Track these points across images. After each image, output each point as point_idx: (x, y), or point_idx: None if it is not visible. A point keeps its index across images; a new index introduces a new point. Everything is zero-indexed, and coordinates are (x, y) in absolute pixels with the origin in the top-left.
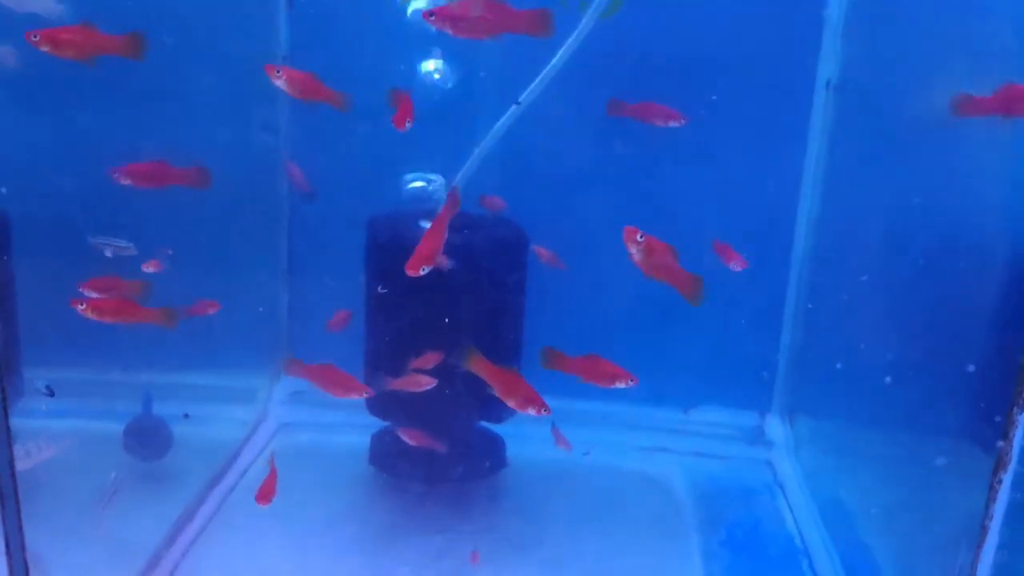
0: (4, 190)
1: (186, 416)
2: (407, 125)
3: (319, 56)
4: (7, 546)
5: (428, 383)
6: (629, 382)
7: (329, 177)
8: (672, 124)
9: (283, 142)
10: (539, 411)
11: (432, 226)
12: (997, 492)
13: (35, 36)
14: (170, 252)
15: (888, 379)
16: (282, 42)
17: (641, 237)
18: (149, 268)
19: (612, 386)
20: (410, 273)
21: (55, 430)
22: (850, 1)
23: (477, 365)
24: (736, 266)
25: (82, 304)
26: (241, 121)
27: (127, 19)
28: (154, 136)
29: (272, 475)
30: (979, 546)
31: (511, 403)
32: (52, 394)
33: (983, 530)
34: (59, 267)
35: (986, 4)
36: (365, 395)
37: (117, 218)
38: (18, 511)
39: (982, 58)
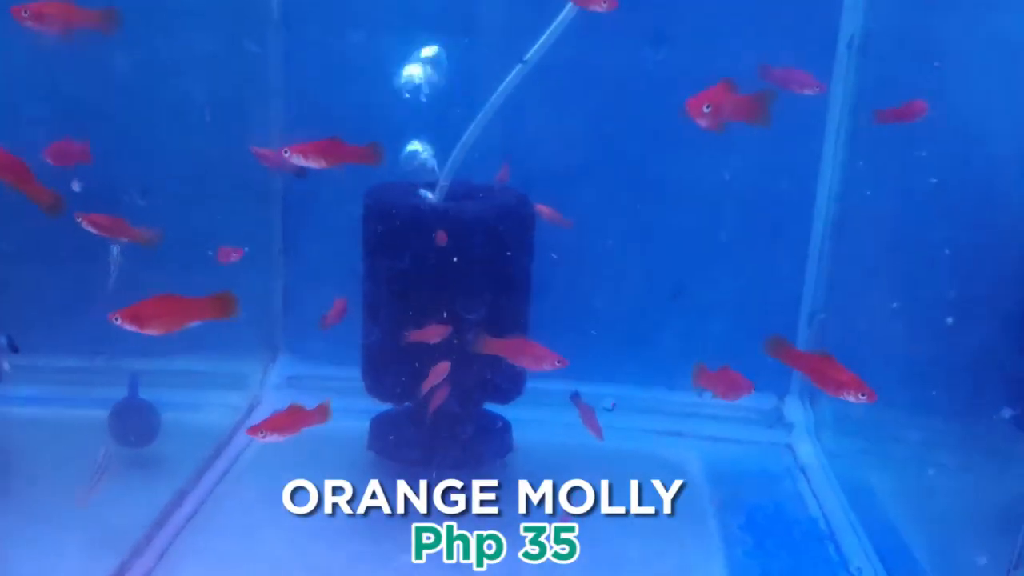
0: None
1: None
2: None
3: (312, 31)
4: None
5: (443, 332)
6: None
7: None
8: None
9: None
10: (554, 364)
11: None
12: None
13: (24, 12)
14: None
15: (913, 358)
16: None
17: (708, 107)
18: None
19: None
20: None
21: (39, 417)
22: None
23: (487, 346)
24: None
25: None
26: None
27: None
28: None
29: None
30: None
31: (525, 363)
32: (17, 349)
33: None
34: (42, 253)
35: None
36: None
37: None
38: None
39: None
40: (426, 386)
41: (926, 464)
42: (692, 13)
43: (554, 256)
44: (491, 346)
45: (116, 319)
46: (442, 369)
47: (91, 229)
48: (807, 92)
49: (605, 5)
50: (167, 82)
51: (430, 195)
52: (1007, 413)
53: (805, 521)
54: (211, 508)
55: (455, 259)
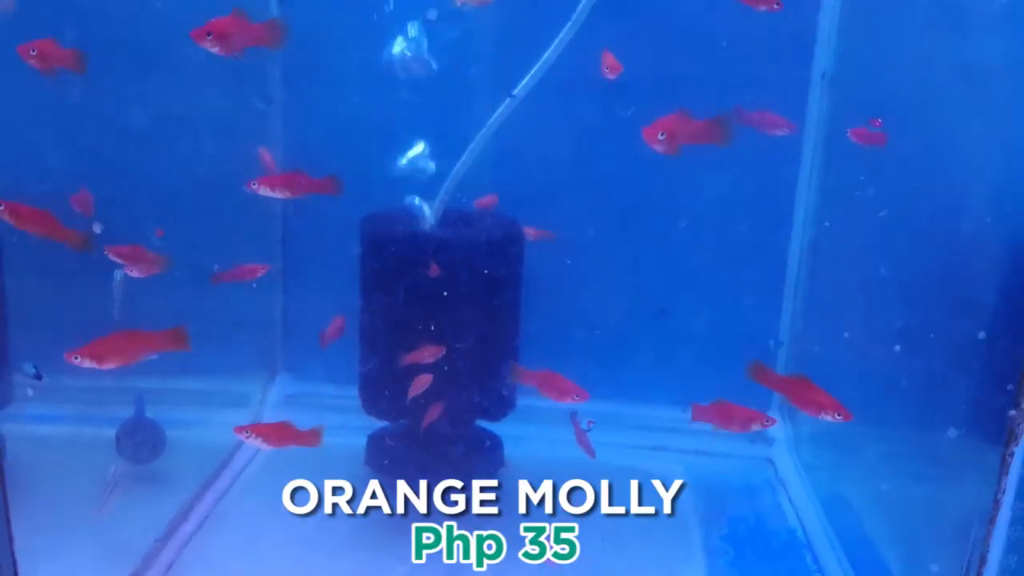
0: None
1: None
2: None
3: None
4: None
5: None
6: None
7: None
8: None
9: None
10: (573, 399)
11: None
12: (1009, 465)
13: (32, 51)
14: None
15: (886, 375)
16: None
17: (663, 135)
18: (133, 272)
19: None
20: None
21: (47, 435)
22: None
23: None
24: None
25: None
26: (233, 127)
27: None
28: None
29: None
30: (992, 521)
31: (551, 395)
32: (40, 377)
33: (995, 504)
34: (50, 273)
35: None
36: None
37: (111, 224)
38: (6, 507)
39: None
40: (412, 392)
41: (895, 476)
42: (678, 43)
43: (568, 262)
44: (522, 376)
45: (75, 358)
46: (424, 381)
47: (116, 259)
48: (779, 133)
49: (612, 75)
50: (180, 132)
51: (427, 207)
52: (952, 433)
53: (784, 532)
54: (215, 522)
55: (449, 284)
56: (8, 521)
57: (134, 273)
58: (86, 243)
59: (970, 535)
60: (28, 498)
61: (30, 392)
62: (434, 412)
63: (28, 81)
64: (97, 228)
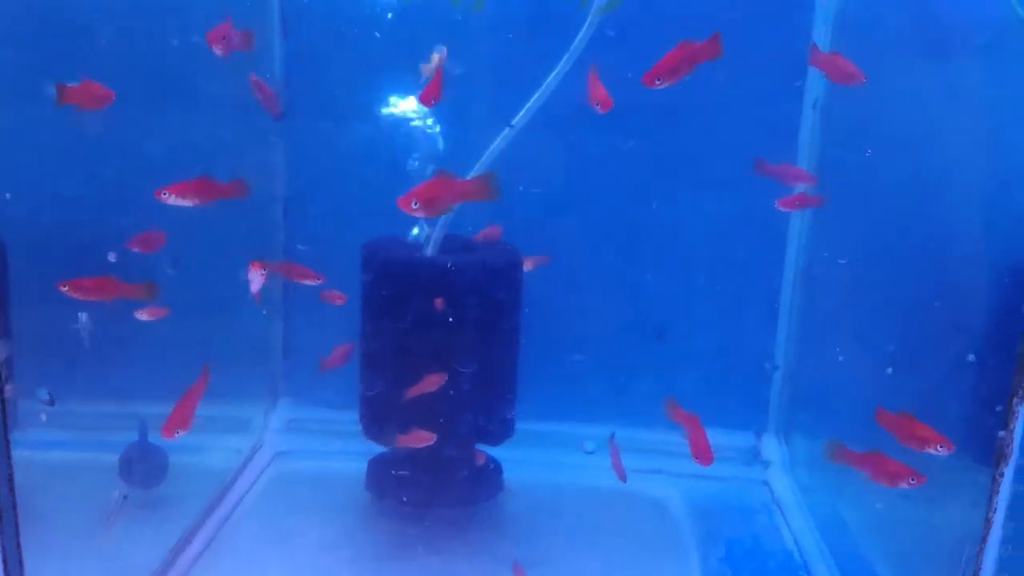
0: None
1: None
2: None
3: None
4: (4, 562)
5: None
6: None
7: (326, 209)
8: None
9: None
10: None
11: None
12: (999, 484)
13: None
14: (171, 271)
15: (879, 397)
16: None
17: (416, 204)
18: (143, 316)
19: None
20: None
21: (51, 460)
22: (834, 26)
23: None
24: None
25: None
26: (239, 157)
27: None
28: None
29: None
30: (983, 540)
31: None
32: (53, 402)
33: (987, 523)
34: (55, 300)
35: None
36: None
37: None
38: (16, 525)
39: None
40: (415, 392)
41: (888, 496)
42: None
43: (568, 287)
44: (675, 413)
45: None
46: (436, 380)
47: (76, 295)
48: (800, 185)
49: (603, 110)
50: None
51: (427, 229)
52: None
53: (780, 553)
54: (218, 545)
55: (450, 310)
56: (19, 547)
57: (144, 317)
58: (153, 291)
59: (962, 554)
60: (33, 523)
61: (43, 417)
62: (427, 384)
63: (41, 111)
64: (112, 257)
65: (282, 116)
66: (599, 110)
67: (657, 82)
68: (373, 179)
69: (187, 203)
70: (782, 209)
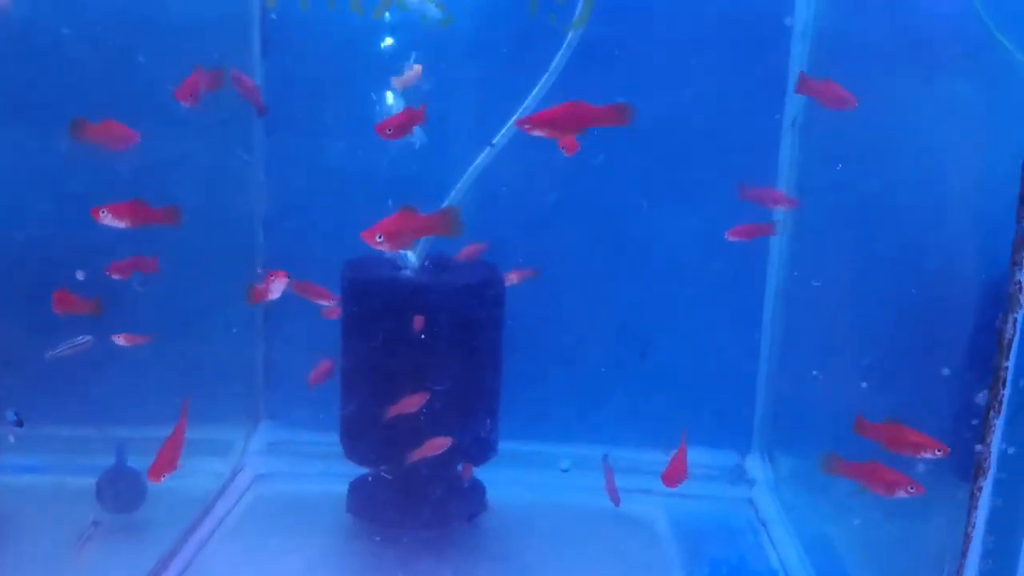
0: None
1: None
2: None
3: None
4: None
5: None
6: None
7: (305, 225)
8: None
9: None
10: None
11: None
12: (978, 499)
13: None
14: (140, 288)
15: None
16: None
17: (380, 238)
18: (120, 340)
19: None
20: None
21: (26, 485)
22: (812, 44)
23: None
24: None
25: None
26: (216, 176)
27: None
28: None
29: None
30: (963, 555)
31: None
32: (21, 424)
33: (966, 538)
34: (31, 323)
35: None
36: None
37: (92, 269)
38: None
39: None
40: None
41: (869, 512)
42: (651, 92)
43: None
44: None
45: None
46: (416, 400)
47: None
48: (781, 208)
49: (569, 153)
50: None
51: (408, 253)
52: (922, 467)
53: (765, 572)
54: (196, 569)
55: (429, 328)
56: None
57: (121, 342)
58: (99, 306)
59: (943, 569)
60: (10, 547)
61: (11, 439)
62: (408, 403)
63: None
64: (80, 275)
65: (266, 110)
66: (566, 154)
67: (527, 127)
68: (353, 196)
69: (121, 224)
70: (732, 239)
